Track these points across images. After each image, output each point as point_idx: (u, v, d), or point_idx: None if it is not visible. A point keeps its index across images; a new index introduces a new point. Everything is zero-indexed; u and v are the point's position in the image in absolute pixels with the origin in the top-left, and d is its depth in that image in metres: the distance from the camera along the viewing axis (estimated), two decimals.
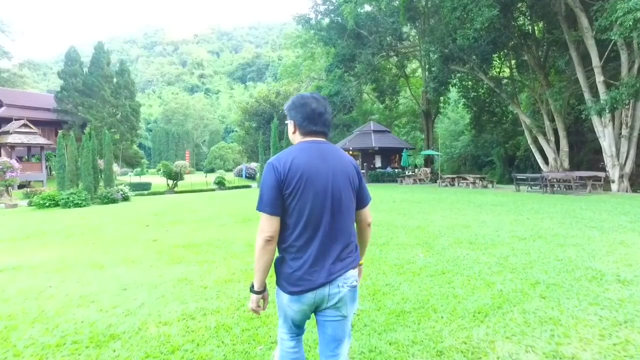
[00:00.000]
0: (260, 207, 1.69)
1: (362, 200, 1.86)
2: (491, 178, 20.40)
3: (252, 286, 1.78)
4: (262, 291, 1.78)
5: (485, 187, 18.76)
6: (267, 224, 1.66)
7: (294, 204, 1.67)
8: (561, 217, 8.65)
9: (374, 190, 18.63)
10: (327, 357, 1.81)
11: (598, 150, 22.83)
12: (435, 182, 25.40)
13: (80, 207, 15.16)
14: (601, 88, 16.91)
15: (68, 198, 15.26)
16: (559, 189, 15.01)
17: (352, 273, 1.76)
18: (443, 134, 37.79)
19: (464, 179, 20.03)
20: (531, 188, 16.46)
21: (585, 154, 23.17)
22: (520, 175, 17.09)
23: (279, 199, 1.66)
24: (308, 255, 1.67)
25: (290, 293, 1.70)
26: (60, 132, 18.22)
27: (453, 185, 20.44)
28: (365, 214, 1.89)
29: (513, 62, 23.81)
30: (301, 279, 1.67)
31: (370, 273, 4.70)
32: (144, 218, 9.99)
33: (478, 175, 20.25)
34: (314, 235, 1.68)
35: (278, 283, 1.76)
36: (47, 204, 15.47)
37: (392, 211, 10.26)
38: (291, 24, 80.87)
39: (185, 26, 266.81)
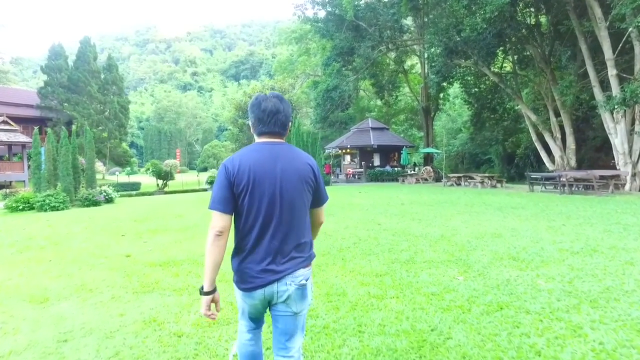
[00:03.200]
0: (212, 206, 1.70)
1: (317, 200, 1.86)
2: (500, 177, 19.21)
3: (202, 288, 1.75)
4: (212, 292, 1.76)
5: (494, 186, 17.68)
6: (218, 221, 1.68)
7: (244, 204, 1.69)
8: (601, 223, 7.54)
9: (376, 190, 17.51)
10: (278, 349, 1.83)
11: (599, 148, 22.00)
12: (438, 181, 24.37)
13: (57, 210, 13.82)
14: (614, 82, 15.97)
15: (44, 200, 13.89)
16: (576, 188, 13.95)
17: (302, 272, 1.75)
18: (440, 132, 36.82)
19: (471, 178, 18.95)
20: (545, 188, 15.41)
21: (586, 152, 22.24)
22: (534, 174, 16.01)
23: (230, 198, 1.69)
24: (257, 254, 1.70)
25: (242, 290, 1.74)
26: (35, 128, 16.74)
27: (459, 184, 19.35)
28: (318, 213, 1.90)
29: (515, 57, 22.75)
30: (251, 277, 1.70)
31: (404, 308, 3.53)
32: (121, 225, 8.71)
33: (486, 175, 19.15)
34: (263, 234, 1.69)
35: (233, 279, 1.79)
36: (20, 207, 14.10)
37: (405, 216, 9.10)
38: (284, 22, 79.44)
39: (177, 24, 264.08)
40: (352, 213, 9.81)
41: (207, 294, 1.74)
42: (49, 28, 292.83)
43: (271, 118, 1.75)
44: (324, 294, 3.96)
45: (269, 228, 1.69)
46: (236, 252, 1.77)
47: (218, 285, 1.82)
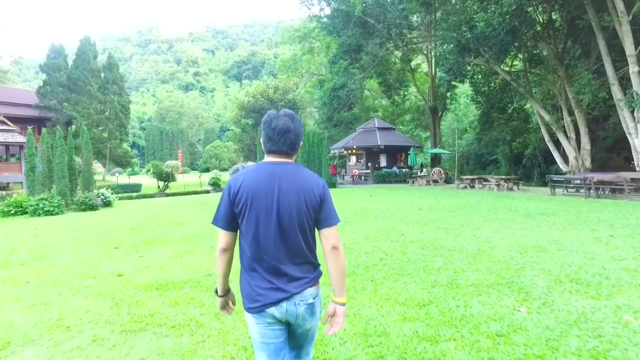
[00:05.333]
0: (213, 221, 1.77)
1: (321, 221, 1.76)
2: (517, 179, 18.29)
3: (216, 290, 1.89)
4: (226, 294, 1.88)
5: (511, 189, 16.82)
6: (222, 237, 1.75)
7: (243, 224, 1.71)
8: None
9: (387, 193, 16.69)
10: (290, 358, 1.84)
11: (611, 149, 21.17)
12: (448, 183, 23.56)
13: (52, 215, 13.07)
14: (635, 79, 15.16)
15: (37, 205, 13.14)
16: (602, 192, 13.11)
17: (309, 291, 1.74)
18: (446, 132, 35.98)
19: (485, 180, 18.12)
20: (567, 191, 14.57)
21: (597, 152, 21.40)
22: (556, 177, 15.18)
23: (231, 216, 1.72)
24: (261, 273, 1.70)
25: (249, 309, 1.71)
26: (29, 128, 15.98)
27: (472, 187, 18.52)
28: (325, 235, 1.76)
29: (526, 55, 21.88)
30: (258, 294, 1.68)
31: (469, 359, 2.71)
32: (116, 235, 7.92)
33: (502, 177, 18.33)
34: (264, 254, 1.69)
35: (243, 304, 1.75)
36: (12, 212, 13.37)
37: (428, 224, 8.28)
38: (287, 22, 78.69)
39: (179, 24, 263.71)
40: (368, 220, 9.00)
41: (221, 296, 1.87)
42: (52, 29, 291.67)
43: (280, 137, 1.74)
44: (361, 334, 3.15)
45: (268, 248, 1.69)
46: (242, 272, 1.78)
47: None
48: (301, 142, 1.83)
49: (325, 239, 1.75)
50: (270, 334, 1.73)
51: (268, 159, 1.78)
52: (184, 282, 4.63)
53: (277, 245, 1.68)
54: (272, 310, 1.68)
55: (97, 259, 5.81)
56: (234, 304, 1.92)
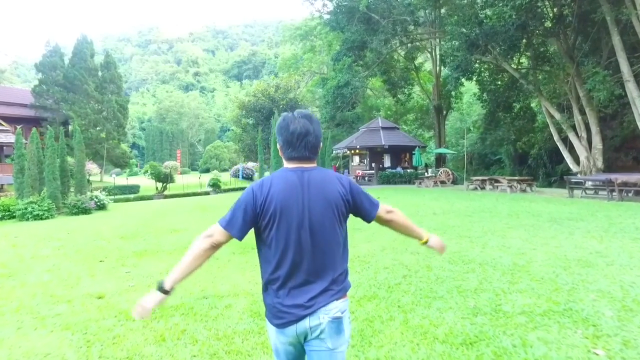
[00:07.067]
0: (222, 223, 1.56)
1: (367, 213, 1.72)
2: (532, 180, 17.48)
3: (162, 284, 1.52)
4: (168, 292, 1.54)
5: (524, 190, 16.06)
6: (221, 236, 1.56)
7: (271, 237, 1.57)
8: None
9: (394, 195, 15.95)
10: None
11: (619, 149, 20.42)
12: (455, 183, 22.83)
13: (41, 219, 12.35)
14: None
15: (26, 208, 12.41)
16: (625, 194, 12.35)
17: (335, 304, 1.59)
18: (449, 132, 35.28)
19: (497, 181, 17.35)
20: (585, 192, 13.82)
21: (604, 152, 20.57)
22: (575, 179, 14.41)
23: (245, 225, 1.56)
24: (289, 289, 1.57)
25: (275, 325, 1.60)
26: (18, 127, 15.24)
27: (483, 188, 17.75)
28: (377, 216, 1.76)
29: (534, 52, 21.13)
30: (282, 312, 1.57)
31: None
32: (103, 245, 7.15)
33: (515, 177, 17.57)
34: (294, 268, 1.56)
35: (266, 315, 1.67)
36: None
37: (447, 231, 7.52)
38: (287, 21, 77.95)
39: (180, 24, 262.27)
40: (382, 227, 8.23)
41: (165, 292, 1.52)
42: (53, 30, 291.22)
43: (300, 141, 1.61)
44: None
45: (300, 262, 1.55)
46: (266, 287, 1.63)
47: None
48: (321, 144, 1.69)
49: (379, 219, 1.77)
50: (287, 350, 1.64)
51: (291, 165, 1.64)
52: (175, 307, 3.88)
53: (310, 259, 1.57)
54: (293, 328, 1.56)
55: (76, 276, 5.06)
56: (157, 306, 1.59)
